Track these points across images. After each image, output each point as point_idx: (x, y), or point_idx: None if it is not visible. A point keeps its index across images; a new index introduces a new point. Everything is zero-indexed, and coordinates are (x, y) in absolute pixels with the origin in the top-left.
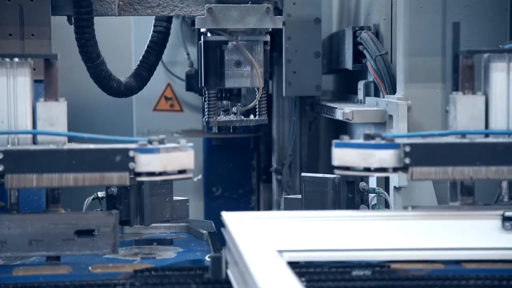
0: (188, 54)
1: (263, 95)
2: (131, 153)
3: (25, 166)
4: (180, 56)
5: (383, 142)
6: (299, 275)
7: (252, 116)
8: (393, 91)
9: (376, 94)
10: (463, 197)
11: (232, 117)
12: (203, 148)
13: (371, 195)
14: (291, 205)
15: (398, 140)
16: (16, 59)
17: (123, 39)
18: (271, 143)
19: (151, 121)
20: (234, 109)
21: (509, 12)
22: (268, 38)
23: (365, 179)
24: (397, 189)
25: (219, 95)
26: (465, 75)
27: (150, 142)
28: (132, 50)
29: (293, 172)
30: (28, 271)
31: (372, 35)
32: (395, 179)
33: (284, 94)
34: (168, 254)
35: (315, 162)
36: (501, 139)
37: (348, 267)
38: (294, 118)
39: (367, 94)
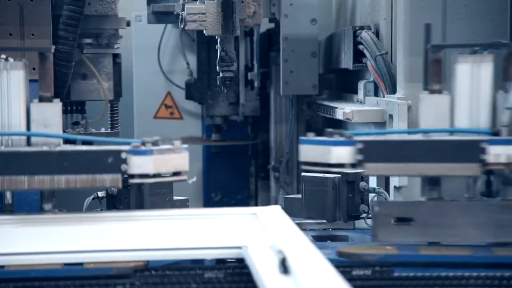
0: (187, 63)
1: (115, 108)
2: (123, 155)
3: (16, 168)
4: (180, 65)
5: (341, 139)
6: None
7: (103, 129)
8: (393, 90)
9: (376, 94)
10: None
11: (81, 130)
12: (203, 155)
13: (371, 195)
14: (291, 205)
15: (357, 138)
16: (11, 60)
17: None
18: (269, 142)
19: (151, 128)
20: (83, 122)
21: (509, 11)
22: (118, 51)
23: (365, 178)
24: (397, 188)
25: (69, 108)
26: (432, 70)
27: (143, 143)
28: (134, 57)
29: (291, 169)
30: (19, 266)
31: (372, 34)
32: (395, 179)
33: (281, 93)
34: None
35: None
36: (455, 137)
37: (348, 266)
38: (291, 116)
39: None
